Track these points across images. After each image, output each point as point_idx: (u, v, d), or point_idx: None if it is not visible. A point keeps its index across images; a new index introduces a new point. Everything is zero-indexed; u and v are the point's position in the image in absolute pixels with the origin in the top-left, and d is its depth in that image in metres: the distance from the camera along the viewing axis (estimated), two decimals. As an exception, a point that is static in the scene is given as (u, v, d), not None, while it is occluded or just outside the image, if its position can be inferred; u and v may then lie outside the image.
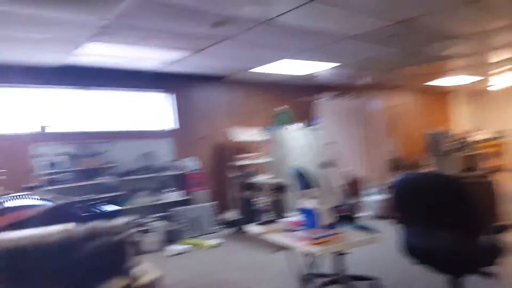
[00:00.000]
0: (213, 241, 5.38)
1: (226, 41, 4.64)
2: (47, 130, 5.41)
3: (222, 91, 7.18)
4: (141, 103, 6.43)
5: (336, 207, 4.31)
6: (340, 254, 2.95)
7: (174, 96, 6.64)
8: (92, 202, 4.39)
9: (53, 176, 5.07)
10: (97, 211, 3.90)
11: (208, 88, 7.00)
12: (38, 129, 5.35)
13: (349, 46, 5.27)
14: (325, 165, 6.29)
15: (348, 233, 2.67)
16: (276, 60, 5.86)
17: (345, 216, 3.85)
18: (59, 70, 5.34)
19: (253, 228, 3.01)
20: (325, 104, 5.41)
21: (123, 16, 3.65)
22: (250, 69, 6.30)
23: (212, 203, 6.28)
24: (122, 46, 4.71)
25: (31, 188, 4.77)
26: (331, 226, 2.68)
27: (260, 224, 3.07)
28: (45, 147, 5.18)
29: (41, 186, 4.84)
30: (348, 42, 5.08)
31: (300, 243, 2.54)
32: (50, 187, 4.90)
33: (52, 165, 5.13)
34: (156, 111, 6.56)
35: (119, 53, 5.00)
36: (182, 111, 6.67)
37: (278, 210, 5.10)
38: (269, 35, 4.55)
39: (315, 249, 2.41)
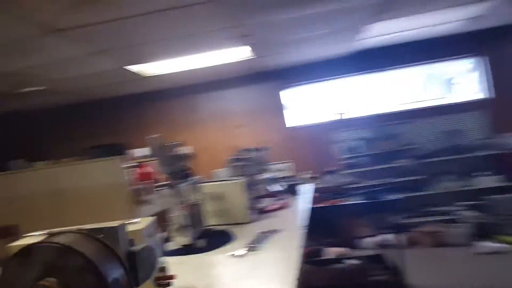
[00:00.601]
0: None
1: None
2: (344, 117, 5.78)
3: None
4: (440, 74, 5.63)
5: None
6: None
7: (485, 58, 5.37)
8: (378, 189, 4.29)
9: (350, 161, 5.34)
10: (381, 199, 3.76)
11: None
12: (337, 117, 5.79)
13: None
14: None
15: None
16: None
17: None
18: (348, 58, 5.54)
19: None
20: None
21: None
22: None
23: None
24: (407, 18, 4.24)
25: (331, 172, 5.27)
26: None
27: None
28: (343, 133, 5.53)
29: (340, 170, 5.23)
30: None
31: None
32: (348, 171, 5.20)
33: (350, 150, 5.40)
34: (460, 80, 5.55)
35: (405, 26, 4.55)
36: (498, 76, 5.30)
37: None
38: None
39: None
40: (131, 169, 3.48)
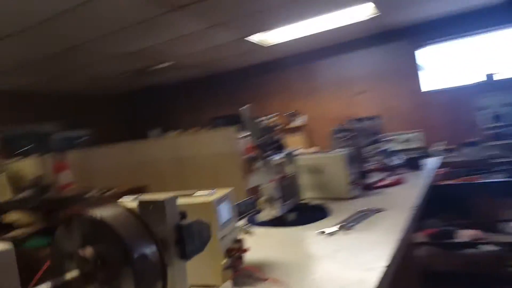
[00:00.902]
0: None
1: None
2: (494, 78, 4.82)
3: None
4: None
5: None
6: None
7: None
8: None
9: (497, 131, 4.47)
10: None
11: None
12: (483, 78, 4.87)
13: None
14: None
15: None
16: None
17: None
18: (499, 6, 4.53)
19: None
20: None
21: None
22: None
23: None
24: None
25: (471, 144, 4.52)
26: None
27: None
28: (490, 97, 4.63)
29: (483, 142, 4.44)
30: None
31: None
32: (493, 143, 4.37)
33: (497, 117, 4.52)
34: None
35: None
36: None
37: None
38: None
39: None
40: (244, 139, 3.62)
